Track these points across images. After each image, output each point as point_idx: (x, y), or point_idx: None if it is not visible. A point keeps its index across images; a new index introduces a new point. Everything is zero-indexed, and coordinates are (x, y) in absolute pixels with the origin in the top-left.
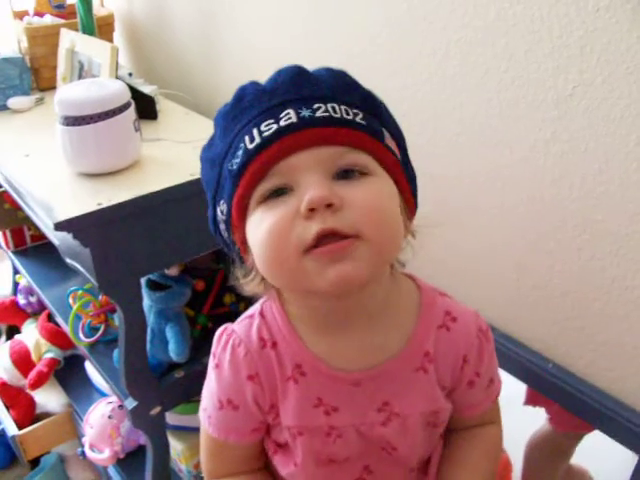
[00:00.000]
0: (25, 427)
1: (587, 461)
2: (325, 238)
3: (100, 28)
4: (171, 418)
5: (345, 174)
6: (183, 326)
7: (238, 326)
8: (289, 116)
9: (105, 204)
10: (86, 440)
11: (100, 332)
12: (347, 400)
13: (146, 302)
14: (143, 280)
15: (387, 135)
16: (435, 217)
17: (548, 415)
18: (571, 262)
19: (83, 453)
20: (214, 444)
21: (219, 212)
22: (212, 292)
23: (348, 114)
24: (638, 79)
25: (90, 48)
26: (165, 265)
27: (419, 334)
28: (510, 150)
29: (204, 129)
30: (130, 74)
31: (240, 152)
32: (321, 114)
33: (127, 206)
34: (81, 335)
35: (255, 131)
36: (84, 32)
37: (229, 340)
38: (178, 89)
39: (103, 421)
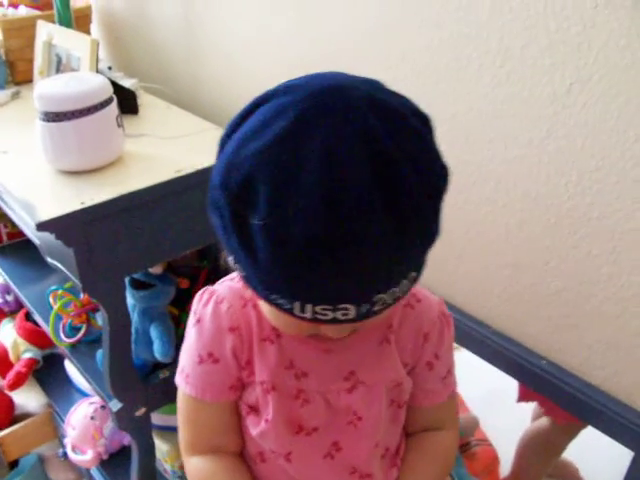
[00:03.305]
0: (4, 428)
1: (582, 457)
2: None
3: (77, 20)
4: (156, 418)
5: None
6: (168, 325)
7: (219, 286)
8: (347, 312)
9: (88, 203)
10: (68, 442)
11: (82, 332)
12: (316, 367)
13: (130, 301)
14: (126, 279)
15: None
16: None
17: (543, 409)
18: (566, 259)
19: (64, 454)
20: (191, 406)
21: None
22: (196, 290)
23: (404, 291)
24: (636, 76)
25: (68, 41)
26: (149, 264)
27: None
28: (505, 147)
29: (187, 124)
30: (109, 68)
31: (282, 303)
32: (379, 307)
33: (111, 205)
34: (62, 335)
35: (309, 308)
36: (61, 24)
37: (211, 298)
38: (158, 82)
39: (85, 422)
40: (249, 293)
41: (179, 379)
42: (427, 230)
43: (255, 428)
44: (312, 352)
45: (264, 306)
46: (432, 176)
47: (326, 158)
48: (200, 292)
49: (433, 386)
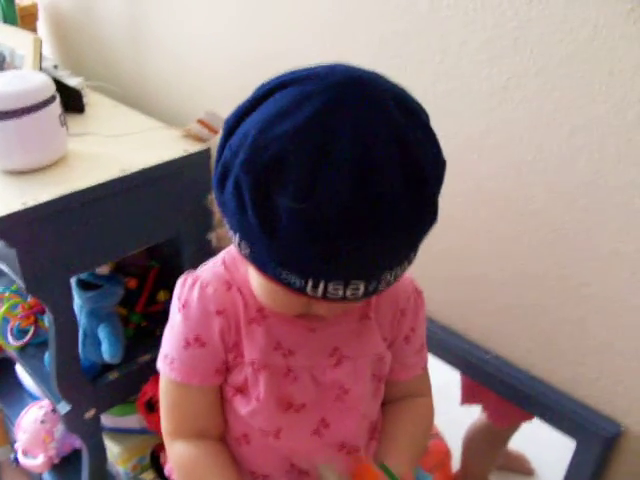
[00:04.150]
0: None
1: (528, 448)
2: None
3: (23, 18)
4: (107, 420)
5: None
6: (116, 326)
7: (202, 271)
8: (357, 290)
9: (30, 203)
10: (19, 446)
11: (30, 334)
12: (302, 345)
13: (77, 302)
14: (73, 280)
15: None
16: None
17: (486, 412)
18: (508, 252)
19: (16, 459)
20: (176, 392)
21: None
22: (145, 290)
23: (403, 271)
24: (571, 71)
25: (12, 39)
26: (95, 264)
27: None
28: (444, 142)
29: (133, 122)
30: (55, 66)
31: (293, 281)
32: (383, 286)
33: (54, 204)
34: (10, 338)
35: (322, 285)
36: (5, 22)
37: (196, 282)
38: (105, 80)
39: (36, 426)
40: (237, 274)
41: (162, 365)
42: (433, 214)
43: (244, 407)
44: (297, 331)
45: (257, 286)
46: (438, 166)
47: (357, 140)
48: (182, 277)
49: (410, 359)
